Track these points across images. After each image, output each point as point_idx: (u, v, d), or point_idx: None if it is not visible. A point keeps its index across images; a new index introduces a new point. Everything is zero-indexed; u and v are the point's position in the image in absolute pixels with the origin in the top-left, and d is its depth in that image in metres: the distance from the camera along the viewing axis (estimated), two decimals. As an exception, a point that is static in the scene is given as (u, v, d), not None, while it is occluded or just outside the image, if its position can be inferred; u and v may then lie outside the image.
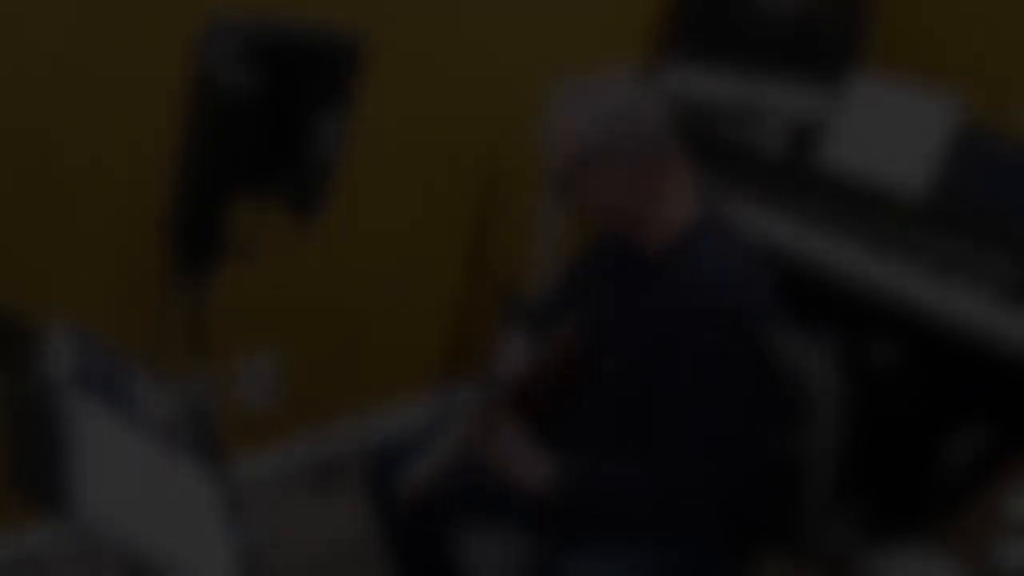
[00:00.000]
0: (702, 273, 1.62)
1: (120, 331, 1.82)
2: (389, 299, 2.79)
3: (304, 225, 2.05)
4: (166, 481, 1.37)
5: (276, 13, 1.95)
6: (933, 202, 2.52)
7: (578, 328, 1.81)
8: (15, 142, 2.08)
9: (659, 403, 1.63)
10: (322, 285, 2.61)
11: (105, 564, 1.27)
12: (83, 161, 2.17)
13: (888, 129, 2.59)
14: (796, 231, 2.63)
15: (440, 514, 1.91)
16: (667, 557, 1.70)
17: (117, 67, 2.13)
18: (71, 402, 1.33)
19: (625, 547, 1.70)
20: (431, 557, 2.00)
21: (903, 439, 2.56)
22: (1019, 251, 2.37)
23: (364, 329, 2.77)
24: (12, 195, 2.11)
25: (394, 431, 2.08)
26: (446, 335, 2.96)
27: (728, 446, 1.62)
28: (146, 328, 2.20)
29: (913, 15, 2.95)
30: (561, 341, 1.82)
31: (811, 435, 1.79)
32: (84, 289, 2.21)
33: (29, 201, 2.14)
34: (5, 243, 2.14)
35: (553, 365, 1.82)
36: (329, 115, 1.97)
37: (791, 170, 2.76)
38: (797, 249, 2.61)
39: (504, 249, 2.94)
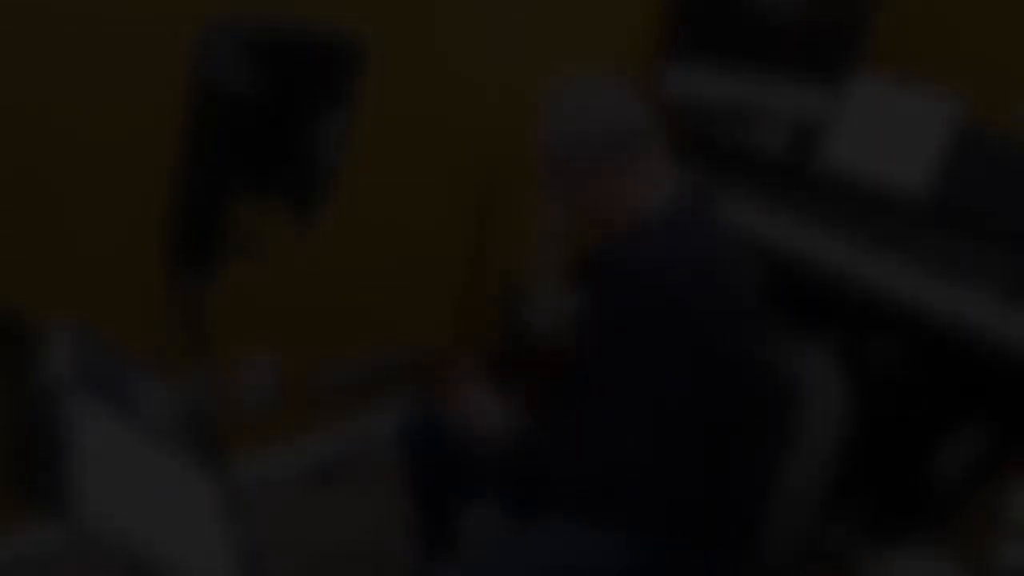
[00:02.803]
0: (637, 258, 1.67)
1: (120, 331, 1.82)
2: (389, 299, 2.79)
3: (305, 226, 2.05)
4: (166, 481, 1.37)
5: (276, 13, 1.95)
6: (933, 202, 2.52)
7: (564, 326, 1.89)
8: (15, 142, 2.08)
9: (597, 381, 1.69)
10: (323, 285, 2.61)
11: (105, 564, 1.28)
12: (83, 162, 2.17)
13: (888, 129, 2.59)
14: (796, 231, 2.63)
15: (444, 481, 2.01)
16: (627, 545, 1.72)
17: (118, 67, 2.14)
18: (71, 402, 1.33)
19: (587, 528, 1.72)
20: (441, 524, 2.09)
21: (903, 439, 2.56)
22: (1019, 251, 2.37)
23: (364, 329, 2.77)
24: (12, 195, 2.12)
25: (393, 431, 2.09)
26: (447, 334, 2.96)
27: (652, 431, 1.64)
28: (146, 328, 2.20)
29: (913, 15, 2.95)
30: (549, 340, 1.91)
31: (810, 435, 1.79)
32: (85, 289, 2.21)
33: (29, 201, 2.14)
34: (5, 243, 2.14)
35: (540, 361, 1.90)
36: (330, 116, 1.97)
37: (791, 170, 2.77)
38: (797, 249, 2.61)
39: (504, 249, 2.94)
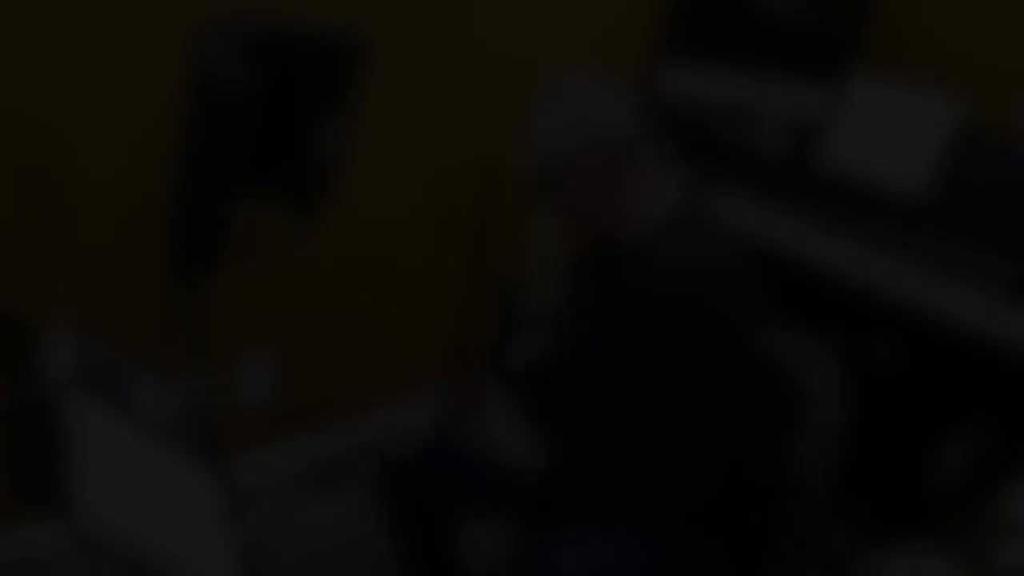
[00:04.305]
0: (659, 261, 1.67)
1: (120, 331, 1.82)
2: (389, 299, 2.79)
3: (304, 225, 2.05)
4: (166, 481, 1.37)
5: (276, 13, 1.95)
6: (933, 202, 2.51)
7: (564, 329, 1.87)
8: (15, 143, 2.08)
9: (618, 385, 1.68)
10: (322, 285, 2.61)
11: (105, 564, 1.27)
12: (83, 162, 2.17)
13: (888, 129, 2.59)
14: (796, 231, 2.63)
15: (442, 507, 1.96)
16: (650, 548, 1.72)
17: (117, 67, 2.14)
18: (71, 402, 1.32)
19: (608, 537, 1.72)
20: (436, 550, 2.03)
21: (903, 439, 2.56)
22: (1019, 251, 2.37)
23: (364, 329, 2.77)
24: (12, 196, 2.12)
25: (394, 431, 2.09)
26: (446, 335, 2.96)
27: (678, 433, 1.65)
28: (146, 328, 2.21)
29: (913, 15, 2.95)
30: (548, 343, 1.89)
31: (810, 435, 1.79)
32: (85, 289, 2.21)
33: (29, 202, 2.14)
34: (6, 244, 2.14)
35: (539, 364, 1.89)
36: (329, 116, 1.97)
37: (791, 170, 2.76)
38: (797, 249, 2.61)
39: (503, 249, 2.94)
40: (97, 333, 1.53)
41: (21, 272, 2.15)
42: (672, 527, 1.75)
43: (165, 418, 1.52)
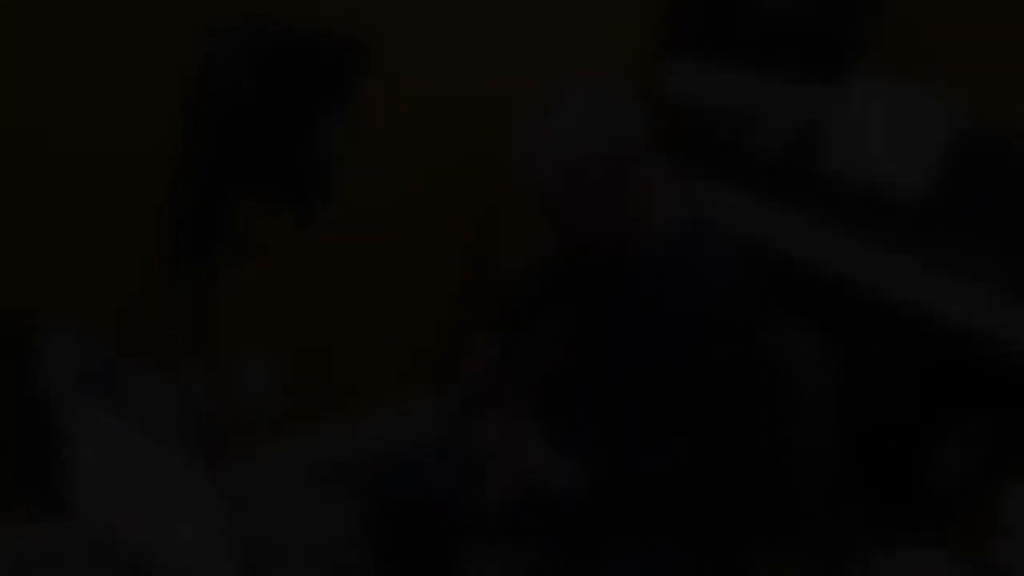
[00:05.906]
0: (670, 266, 1.66)
1: (121, 331, 1.83)
2: (389, 300, 2.79)
3: (304, 226, 2.05)
4: (166, 481, 1.37)
5: (276, 14, 1.95)
6: (933, 202, 2.51)
7: (557, 333, 1.85)
8: (16, 142, 2.08)
9: (626, 389, 1.68)
10: (322, 286, 2.61)
11: (105, 564, 1.28)
12: (84, 162, 2.17)
13: (888, 129, 2.59)
14: (796, 231, 2.63)
15: (441, 528, 1.92)
16: (696, 557, 1.72)
17: (119, 67, 2.14)
18: (71, 402, 1.33)
19: (654, 549, 1.71)
20: (429, 570, 2.01)
21: (903, 439, 2.56)
22: (1019, 251, 2.37)
23: (363, 330, 2.77)
24: (13, 196, 2.12)
25: (393, 432, 2.09)
26: (445, 336, 2.96)
27: (682, 434, 1.65)
28: (147, 328, 2.21)
29: (914, 15, 2.94)
30: (539, 347, 1.87)
31: (809, 434, 1.79)
32: (85, 289, 2.21)
33: (30, 202, 2.15)
34: (6, 244, 2.14)
35: (540, 367, 1.87)
36: (329, 116, 1.97)
37: (791, 170, 2.76)
38: (797, 249, 2.61)
39: (503, 251, 2.94)
40: (98, 333, 1.53)
41: (21, 272, 2.15)
42: (673, 528, 1.75)
43: (165, 418, 1.52)
